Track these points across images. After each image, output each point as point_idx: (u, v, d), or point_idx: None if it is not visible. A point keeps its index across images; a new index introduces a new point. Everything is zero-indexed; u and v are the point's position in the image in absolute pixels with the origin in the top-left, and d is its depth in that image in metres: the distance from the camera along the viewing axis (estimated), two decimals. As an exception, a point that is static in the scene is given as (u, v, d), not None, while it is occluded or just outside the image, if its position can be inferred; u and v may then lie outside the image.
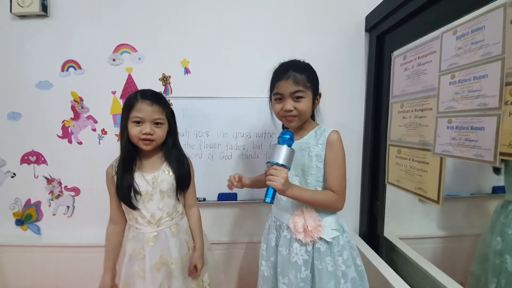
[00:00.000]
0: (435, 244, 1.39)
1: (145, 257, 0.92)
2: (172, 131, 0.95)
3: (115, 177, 0.91)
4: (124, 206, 0.93)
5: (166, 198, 0.94)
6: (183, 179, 0.96)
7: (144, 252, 0.92)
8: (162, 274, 0.93)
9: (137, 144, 0.88)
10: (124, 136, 0.88)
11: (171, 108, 0.96)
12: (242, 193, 1.40)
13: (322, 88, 1.34)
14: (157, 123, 0.88)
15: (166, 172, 0.94)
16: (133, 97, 0.87)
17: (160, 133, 0.89)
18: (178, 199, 0.98)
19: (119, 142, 1.31)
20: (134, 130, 0.85)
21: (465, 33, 0.80)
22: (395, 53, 1.15)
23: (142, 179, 0.91)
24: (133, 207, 0.90)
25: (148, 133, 0.85)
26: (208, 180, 1.36)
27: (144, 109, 0.85)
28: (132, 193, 0.89)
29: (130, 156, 0.90)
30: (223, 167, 1.37)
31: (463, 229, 1.40)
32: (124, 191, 0.88)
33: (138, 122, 0.86)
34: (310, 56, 1.33)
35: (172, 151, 0.96)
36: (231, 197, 1.39)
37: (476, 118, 0.77)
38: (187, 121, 1.33)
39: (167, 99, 0.96)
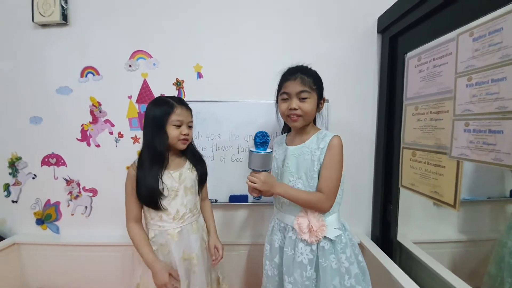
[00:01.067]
0: (450, 249, 1.36)
1: (170, 252, 0.95)
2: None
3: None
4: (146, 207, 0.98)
5: (189, 195, 1.00)
6: (203, 175, 1.06)
7: (170, 248, 0.96)
8: (183, 269, 0.97)
9: (174, 144, 0.96)
10: (164, 138, 0.93)
11: None
12: (254, 195, 1.41)
13: (334, 90, 1.36)
14: (190, 126, 0.99)
15: (189, 170, 1.02)
16: (168, 103, 0.94)
17: (191, 134, 1.00)
18: (198, 194, 1.06)
19: (138, 144, 1.39)
20: (175, 132, 0.94)
21: (482, 35, 0.79)
22: (409, 54, 1.14)
23: (169, 176, 0.97)
24: (158, 208, 0.94)
25: (186, 134, 0.96)
26: (220, 182, 1.38)
27: (183, 114, 0.96)
28: (158, 191, 0.93)
29: (164, 158, 0.96)
30: (235, 169, 1.39)
31: (479, 233, 1.37)
32: (146, 192, 0.92)
33: (178, 126, 0.95)
34: (321, 59, 1.35)
35: (195, 152, 1.06)
36: (242, 199, 1.41)
37: (494, 121, 0.75)
38: (199, 124, 1.35)
39: None
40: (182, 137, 0.95)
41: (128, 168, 1.02)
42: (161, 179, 0.94)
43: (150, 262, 0.92)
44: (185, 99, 1.34)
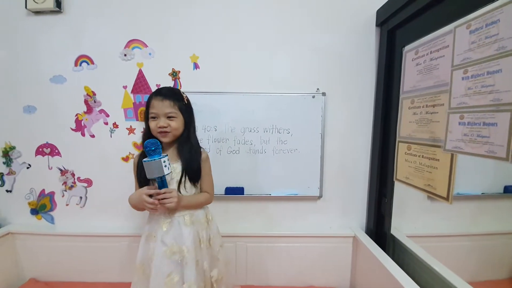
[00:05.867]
0: (443, 242, 1.37)
1: (157, 242, 0.95)
2: (187, 124, 0.99)
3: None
4: None
5: (181, 189, 0.98)
6: (193, 173, 0.99)
7: (157, 237, 0.95)
8: (173, 263, 0.94)
9: (157, 137, 0.96)
10: (147, 130, 0.98)
11: (186, 102, 0.99)
12: (249, 188, 1.42)
13: (331, 83, 1.37)
14: (169, 117, 0.94)
15: (181, 166, 0.99)
16: (150, 96, 0.97)
17: (174, 125, 0.95)
18: (196, 188, 1.03)
19: (134, 135, 1.42)
20: (152, 125, 0.95)
21: (479, 27, 0.78)
22: (407, 47, 1.13)
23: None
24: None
25: (162, 126, 0.93)
26: (215, 174, 1.35)
27: (157, 105, 0.93)
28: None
29: None
30: (231, 161, 1.39)
31: (472, 228, 1.38)
32: (144, 177, 0.92)
33: (154, 118, 0.94)
34: (320, 51, 1.34)
35: (185, 144, 1.00)
36: (238, 191, 1.41)
37: (488, 113, 0.75)
38: (195, 115, 1.33)
39: (183, 93, 1.00)
40: (159, 129, 0.94)
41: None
42: None
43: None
44: (181, 90, 1.34)
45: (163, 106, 0.93)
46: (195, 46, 1.34)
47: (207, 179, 1.08)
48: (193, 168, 1.00)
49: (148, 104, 0.96)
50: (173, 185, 0.97)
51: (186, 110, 0.98)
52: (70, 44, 1.34)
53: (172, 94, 0.95)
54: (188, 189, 1.00)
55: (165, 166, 0.87)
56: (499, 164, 1.28)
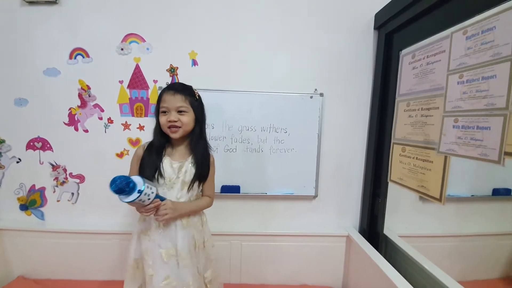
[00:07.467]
0: (433, 243, 1.41)
1: (151, 241, 0.94)
2: (198, 121, 0.98)
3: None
4: None
5: (185, 189, 0.96)
6: (204, 172, 0.99)
7: (151, 236, 0.94)
8: (170, 265, 0.93)
9: (166, 132, 0.95)
10: (157, 125, 0.97)
11: (197, 98, 0.98)
12: (245, 186, 1.42)
13: (329, 84, 1.38)
14: (180, 111, 0.93)
15: (191, 164, 0.97)
16: (161, 91, 0.96)
17: (185, 119, 0.93)
18: (197, 191, 1.02)
19: (129, 131, 1.40)
20: (162, 119, 0.93)
21: (475, 33, 0.81)
22: (404, 51, 1.15)
23: (169, 166, 0.95)
24: None
25: (173, 120, 0.91)
26: None
27: (168, 99, 0.92)
28: (156, 175, 0.93)
29: (161, 143, 0.97)
30: (228, 159, 1.39)
31: (462, 229, 1.42)
32: (149, 173, 0.92)
33: (164, 112, 0.93)
34: (318, 52, 1.35)
35: (199, 142, 0.98)
36: (234, 189, 1.41)
37: (482, 117, 0.77)
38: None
39: (195, 90, 0.99)
40: (169, 124, 0.92)
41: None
42: (162, 166, 0.93)
43: None
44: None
45: (174, 100, 0.91)
46: (194, 42, 1.33)
47: (211, 182, 1.06)
48: (204, 167, 0.99)
49: (159, 99, 0.95)
50: (178, 185, 0.95)
51: (198, 106, 0.97)
52: (65, 36, 1.31)
53: (184, 89, 0.94)
54: (195, 189, 0.99)
55: (149, 194, 0.81)
56: (488, 167, 1.32)
